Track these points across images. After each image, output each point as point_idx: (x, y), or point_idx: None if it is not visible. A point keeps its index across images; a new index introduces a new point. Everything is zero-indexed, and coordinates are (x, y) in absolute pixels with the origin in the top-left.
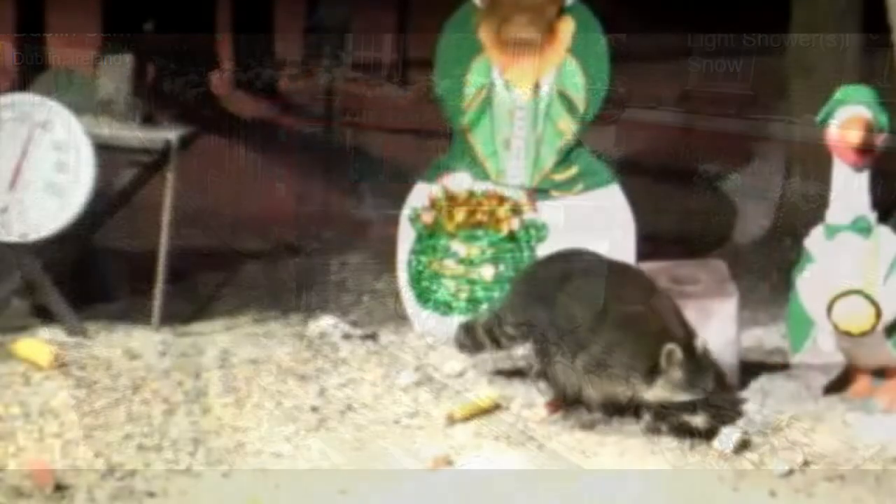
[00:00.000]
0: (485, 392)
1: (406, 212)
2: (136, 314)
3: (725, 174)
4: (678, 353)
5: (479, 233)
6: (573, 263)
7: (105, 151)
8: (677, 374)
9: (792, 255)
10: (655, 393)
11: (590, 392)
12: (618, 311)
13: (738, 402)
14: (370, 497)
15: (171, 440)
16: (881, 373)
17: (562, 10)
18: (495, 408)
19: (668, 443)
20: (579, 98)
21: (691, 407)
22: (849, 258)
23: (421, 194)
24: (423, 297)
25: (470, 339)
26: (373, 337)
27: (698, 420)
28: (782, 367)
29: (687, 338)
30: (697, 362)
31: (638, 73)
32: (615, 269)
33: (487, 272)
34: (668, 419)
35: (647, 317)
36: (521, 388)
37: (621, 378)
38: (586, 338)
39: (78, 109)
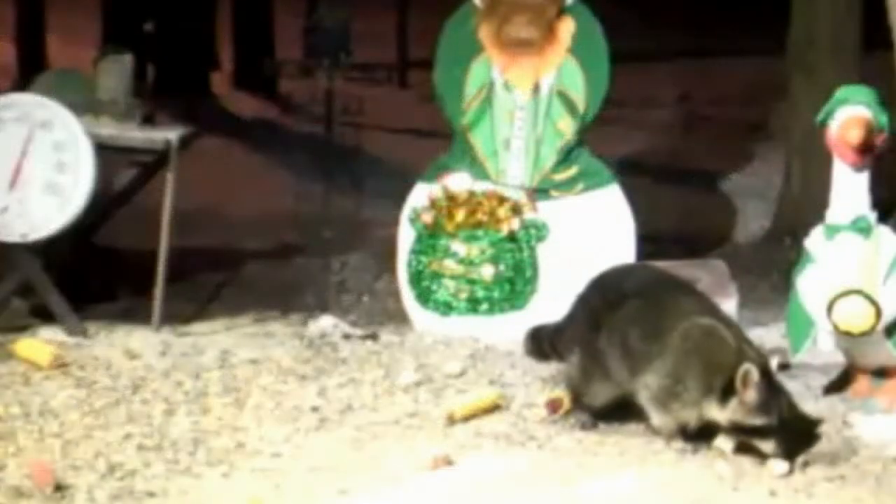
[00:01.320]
0: (485, 392)
1: (406, 212)
2: (136, 314)
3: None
4: (754, 374)
5: (479, 233)
6: (627, 283)
7: (105, 151)
8: (752, 396)
9: (792, 255)
10: (727, 415)
11: (659, 420)
12: (685, 329)
13: (814, 424)
14: (370, 497)
15: (171, 440)
16: (881, 373)
17: (562, 10)
18: (495, 408)
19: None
20: (579, 98)
21: (762, 432)
22: (849, 258)
23: (421, 194)
24: (423, 297)
25: (536, 348)
26: (373, 337)
27: (768, 446)
28: (782, 367)
29: (761, 358)
30: (772, 385)
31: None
32: (672, 286)
33: (487, 272)
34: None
35: (718, 332)
36: (521, 389)
37: (693, 402)
38: (652, 364)
39: (78, 109)
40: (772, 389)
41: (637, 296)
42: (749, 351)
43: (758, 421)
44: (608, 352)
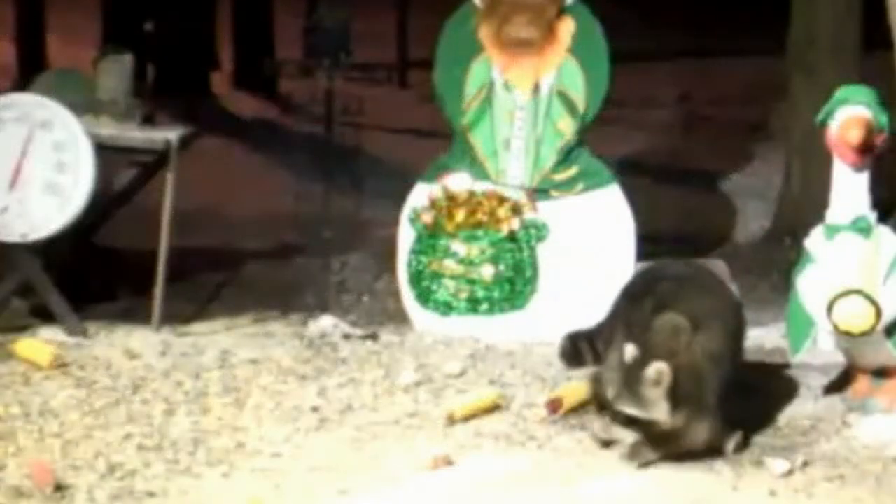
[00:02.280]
0: (485, 392)
1: (406, 212)
2: (136, 314)
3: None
4: (667, 375)
5: (479, 233)
6: (654, 277)
7: (105, 151)
8: (650, 390)
9: (792, 255)
10: (614, 393)
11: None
12: (659, 322)
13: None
14: (370, 497)
15: (171, 440)
16: (881, 373)
17: (562, 10)
18: (495, 408)
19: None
20: (579, 98)
21: (622, 418)
22: (849, 258)
23: (421, 194)
24: (423, 297)
25: (573, 351)
26: (373, 337)
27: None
28: (782, 367)
29: (678, 359)
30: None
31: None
32: (689, 282)
33: (487, 272)
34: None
35: (680, 331)
36: (521, 389)
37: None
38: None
39: (78, 109)
40: (634, 385)
41: (655, 289)
42: (684, 356)
43: (621, 405)
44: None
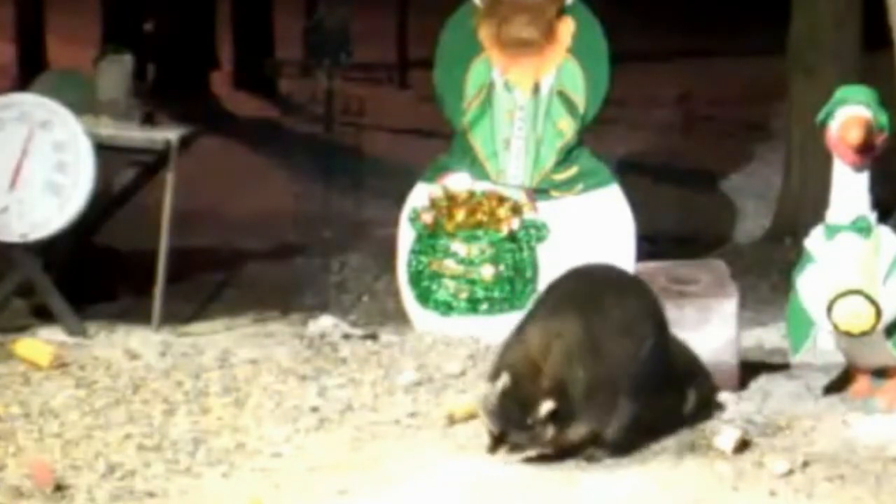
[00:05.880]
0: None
1: (406, 212)
2: (136, 314)
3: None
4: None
5: (479, 233)
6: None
7: (105, 151)
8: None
9: (792, 255)
10: None
11: None
12: None
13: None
14: (370, 497)
15: (171, 440)
16: (881, 373)
17: (562, 10)
18: None
19: (668, 442)
20: (579, 98)
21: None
22: (849, 258)
23: (421, 194)
24: (423, 297)
25: None
26: (373, 337)
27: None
28: (782, 367)
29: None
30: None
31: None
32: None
33: (487, 272)
34: None
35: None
36: None
37: None
38: None
39: (78, 109)
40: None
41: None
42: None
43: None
44: None
